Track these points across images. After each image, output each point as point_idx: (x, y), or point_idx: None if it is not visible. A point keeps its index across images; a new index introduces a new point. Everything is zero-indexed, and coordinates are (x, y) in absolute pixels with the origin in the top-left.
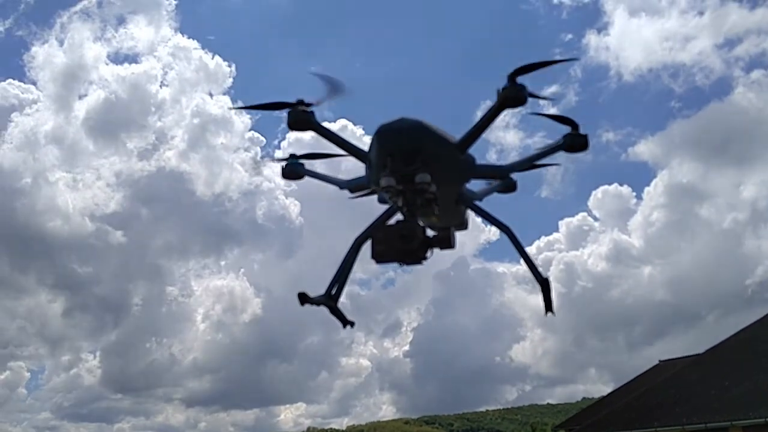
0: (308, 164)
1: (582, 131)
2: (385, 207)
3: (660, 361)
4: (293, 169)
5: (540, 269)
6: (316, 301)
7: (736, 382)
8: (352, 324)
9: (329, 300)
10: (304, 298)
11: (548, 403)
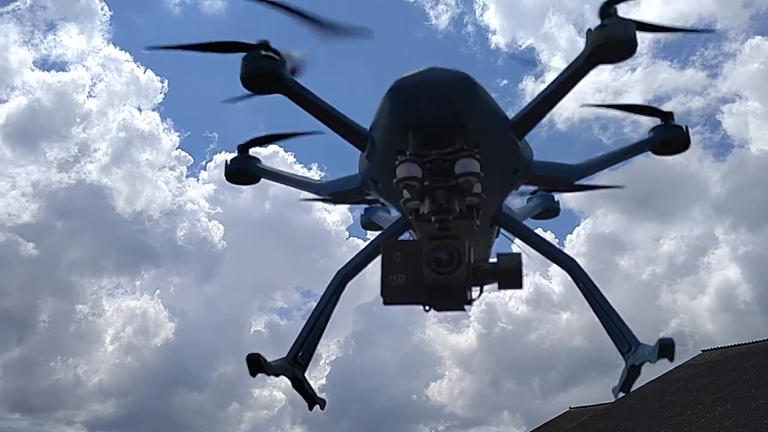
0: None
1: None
2: (371, 237)
3: (570, 407)
4: (242, 167)
5: (629, 330)
6: (274, 370)
7: None
8: (322, 404)
9: (293, 367)
10: (256, 365)
11: None
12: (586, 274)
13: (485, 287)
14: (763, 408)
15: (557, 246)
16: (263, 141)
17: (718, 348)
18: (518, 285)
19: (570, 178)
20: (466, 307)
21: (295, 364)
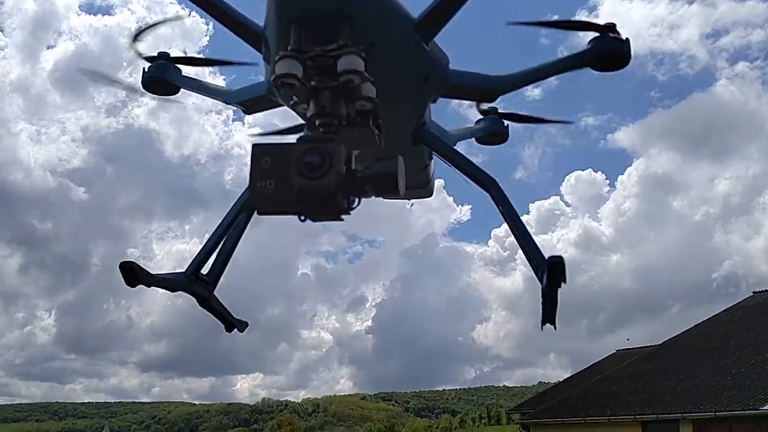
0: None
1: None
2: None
3: (617, 350)
4: (161, 76)
5: (540, 248)
6: (160, 282)
7: (689, 376)
8: (241, 327)
9: (192, 283)
10: (131, 275)
11: (505, 386)
12: (505, 197)
13: (364, 195)
14: None
15: (479, 166)
16: (194, 62)
17: None
18: (395, 191)
19: (493, 90)
20: (343, 215)
21: (196, 281)
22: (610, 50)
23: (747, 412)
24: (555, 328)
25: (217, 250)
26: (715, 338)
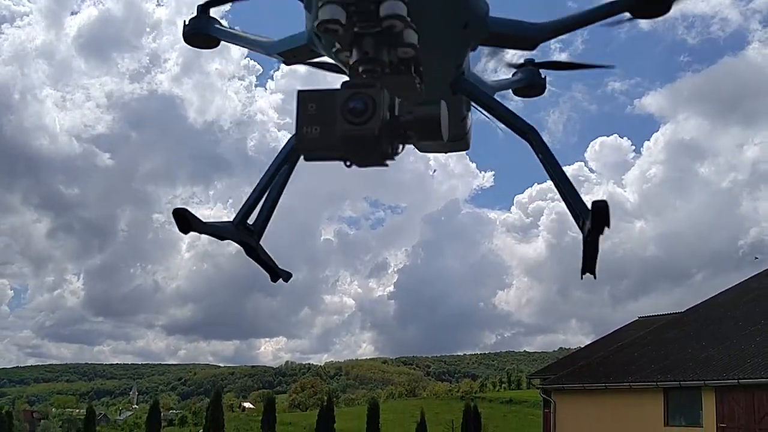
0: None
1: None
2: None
3: (639, 317)
4: (200, 28)
5: (582, 201)
6: (210, 230)
7: (712, 343)
8: (286, 277)
9: (240, 232)
10: (183, 221)
11: (525, 351)
12: (546, 145)
13: (408, 142)
14: None
15: (518, 114)
16: (222, 1)
17: None
18: (438, 135)
19: (534, 38)
20: (388, 161)
21: (243, 230)
22: None
23: None
24: (595, 277)
25: (262, 201)
26: (740, 306)
